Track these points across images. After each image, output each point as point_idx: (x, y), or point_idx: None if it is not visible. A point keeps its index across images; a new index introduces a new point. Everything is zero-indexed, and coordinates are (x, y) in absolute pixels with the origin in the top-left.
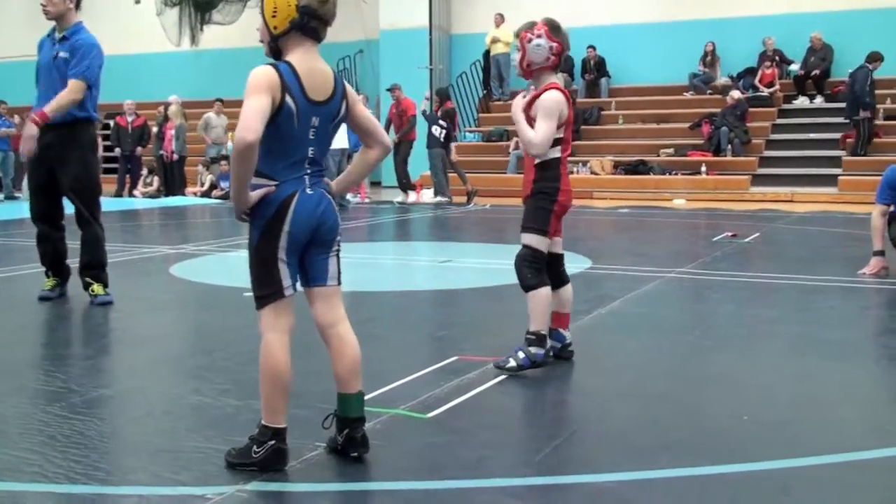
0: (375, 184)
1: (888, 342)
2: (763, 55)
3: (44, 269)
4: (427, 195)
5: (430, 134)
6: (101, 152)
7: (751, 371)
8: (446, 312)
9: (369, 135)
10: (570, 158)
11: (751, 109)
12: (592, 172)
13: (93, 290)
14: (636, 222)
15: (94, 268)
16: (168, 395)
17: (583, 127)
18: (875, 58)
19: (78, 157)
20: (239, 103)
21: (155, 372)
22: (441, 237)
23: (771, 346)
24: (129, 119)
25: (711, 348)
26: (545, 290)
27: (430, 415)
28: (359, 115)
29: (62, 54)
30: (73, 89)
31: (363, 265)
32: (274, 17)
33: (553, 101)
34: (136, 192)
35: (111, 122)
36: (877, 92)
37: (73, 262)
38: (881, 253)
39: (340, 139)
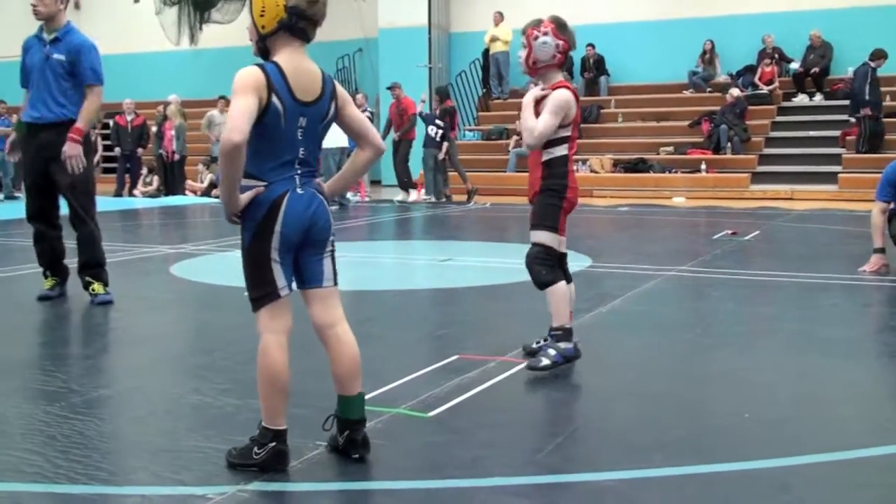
0: (375, 182)
1: (888, 339)
2: (762, 53)
3: (42, 269)
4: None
5: (426, 133)
6: (100, 152)
7: (751, 369)
8: (446, 311)
9: (361, 136)
10: None
11: (750, 107)
12: (592, 171)
13: (93, 290)
14: (636, 220)
15: (93, 266)
16: (168, 394)
17: (582, 125)
18: (879, 55)
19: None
20: None
21: (155, 371)
22: (441, 236)
23: (771, 344)
24: (129, 118)
25: (712, 346)
26: (562, 285)
27: (431, 414)
28: (349, 116)
29: (57, 56)
30: (95, 95)
31: (363, 264)
32: (262, 16)
33: (564, 99)
34: (135, 192)
35: (111, 122)
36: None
37: (71, 262)
38: (881, 250)
39: (340, 138)
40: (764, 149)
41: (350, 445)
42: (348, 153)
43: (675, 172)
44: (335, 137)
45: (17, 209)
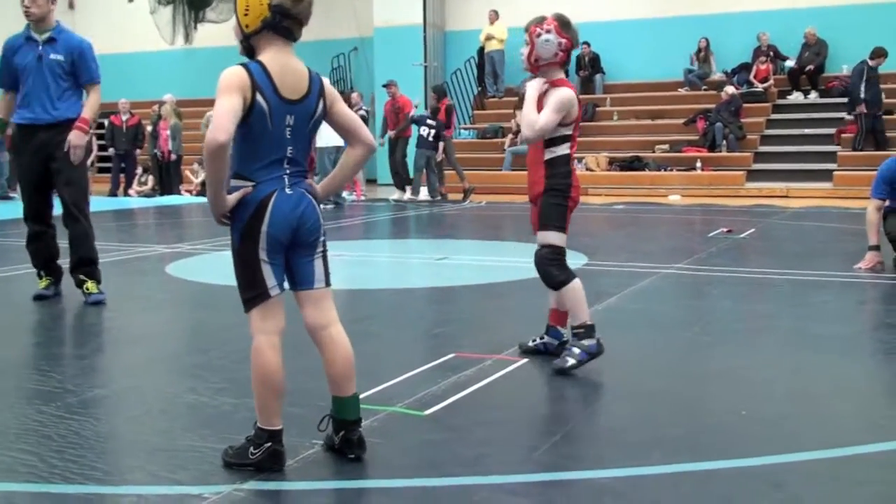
0: (371, 181)
1: (884, 337)
2: (757, 50)
3: (36, 270)
4: (423, 193)
5: (419, 134)
6: (95, 152)
7: (747, 366)
8: (443, 309)
9: (351, 133)
10: None
11: (745, 105)
12: (588, 169)
13: (87, 288)
14: (631, 218)
15: (86, 264)
16: (164, 394)
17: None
18: (878, 54)
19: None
20: None
21: (151, 371)
22: (437, 234)
23: (767, 342)
24: (124, 118)
25: (708, 344)
26: (577, 283)
27: (428, 412)
28: (338, 113)
29: (54, 56)
30: (97, 93)
31: (359, 263)
32: (246, 15)
33: (567, 97)
34: (130, 192)
35: (105, 122)
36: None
37: (63, 261)
38: (876, 248)
39: (336, 137)
40: (759, 146)
41: (346, 445)
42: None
43: (671, 170)
44: (331, 136)
45: (10, 209)
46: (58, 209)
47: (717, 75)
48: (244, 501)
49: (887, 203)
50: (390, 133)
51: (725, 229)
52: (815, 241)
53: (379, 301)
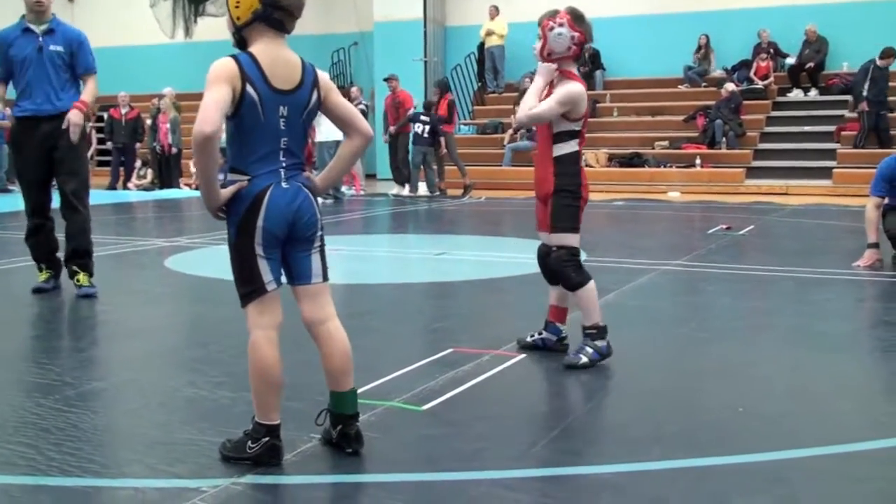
0: (370, 176)
1: (882, 334)
2: (758, 47)
3: (36, 263)
4: (422, 188)
5: (414, 132)
6: (94, 145)
7: (746, 363)
8: (441, 305)
9: (347, 123)
10: None
11: (745, 102)
12: (587, 165)
13: (78, 280)
14: (631, 215)
15: (81, 256)
16: (163, 387)
17: None
18: (888, 54)
19: (71, 145)
20: None
21: (149, 364)
22: (436, 230)
23: (766, 339)
24: (123, 111)
25: (707, 341)
26: (592, 284)
27: (425, 407)
28: (333, 103)
29: (54, 47)
30: (94, 83)
31: (358, 258)
32: (237, 7)
33: (575, 92)
34: (130, 185)
35: (105, 115)
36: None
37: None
38: (875, 245)
39: (335, 131)
40: (759, 144)
41: (343, 440)
42: None
43: (670, 167)
44: (330, 131)
45: (9, 202)
46: (56, 201)
47: (717, 72)
48: (242, 495)
49: (887, 201)
50: (392, 129)
51: (724, 226)
52: (814, 239)
53: (377, 296)
